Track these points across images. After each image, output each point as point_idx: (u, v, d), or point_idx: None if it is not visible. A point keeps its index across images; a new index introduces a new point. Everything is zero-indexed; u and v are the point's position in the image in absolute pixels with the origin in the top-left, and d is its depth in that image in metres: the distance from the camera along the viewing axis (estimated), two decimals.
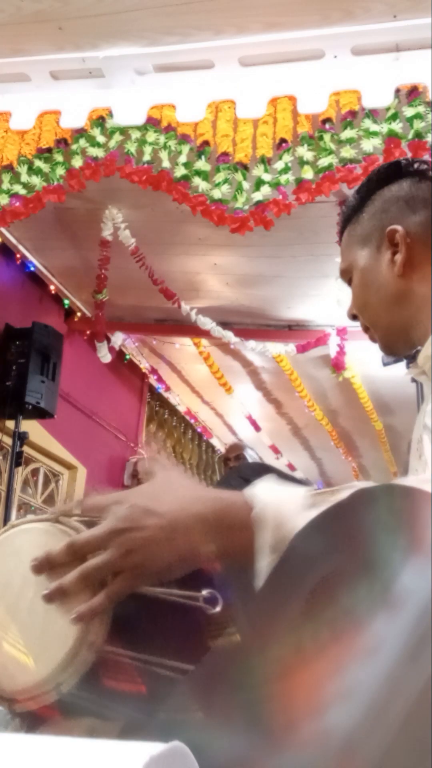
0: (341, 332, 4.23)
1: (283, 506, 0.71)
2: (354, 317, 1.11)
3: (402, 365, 3.14)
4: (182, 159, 2.65)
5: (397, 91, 2.48)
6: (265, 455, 6.42)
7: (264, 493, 0.74)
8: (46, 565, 0.75)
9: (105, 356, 4.60)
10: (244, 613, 0.70)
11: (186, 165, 2.65)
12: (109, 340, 4.63)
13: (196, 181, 2.64)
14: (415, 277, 1.00)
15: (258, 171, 2.58)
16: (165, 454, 6.36)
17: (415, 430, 1.04)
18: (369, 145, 2.46)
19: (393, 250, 1.02)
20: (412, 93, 2.45)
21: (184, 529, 0.72)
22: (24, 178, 2.81)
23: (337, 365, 4.33)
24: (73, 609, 0.73)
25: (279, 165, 2.55)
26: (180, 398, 6.23)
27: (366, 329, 1.10)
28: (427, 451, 0.91)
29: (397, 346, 1.07)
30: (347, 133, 2.49)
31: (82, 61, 2.71)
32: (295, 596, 0.60)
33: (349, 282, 1.10)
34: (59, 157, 2.81)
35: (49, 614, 0.75)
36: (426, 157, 2.38)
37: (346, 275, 1.11)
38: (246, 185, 2.61)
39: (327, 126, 2.53)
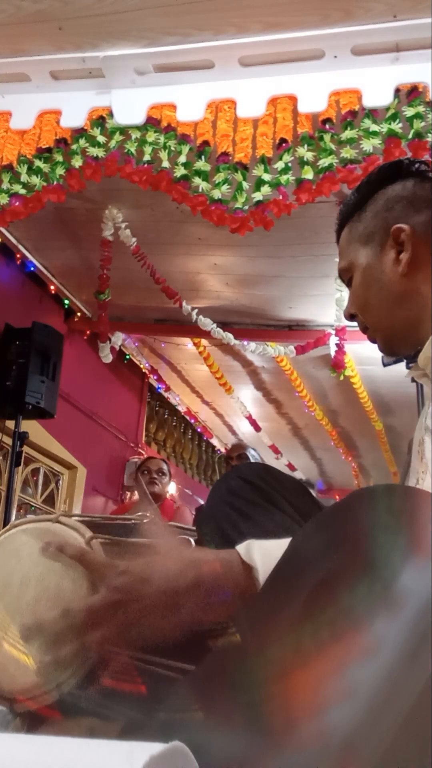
0: (340, 332, 4.22)
1: (269, 553, 0.71)
2: (352, 317, 1.09)
3: (402, 365, 3.14)
4: (182, 159, 2.65)
5: (397, 91, 2.47)
6: (265, 455, 6.42)
7: (254, 550, 0.74)
8: (37, 633, 0.75)
9: (107, 356, 4.60)
10: (245, 613, 0.70)
11: (186, 165, 2.65)
12: (109, 340, 4.63)
13: (196, 181, 2.64)
14: (420, 276, 0.99)
15: (258, 171, 2.58)
16: (165, 454, 6.37)
17: (416, 431, 1.04)
18: (369, 145, 2.45)
19: (398, 249, 1.00)
20: (412, 93, 2.45)
21: (184, 592, 0.72)
22: (24, 178, 2.81)
23: (336, 365, 4.32)
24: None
25: (279, 165, 2.55)
26: (180, 398, 6.23)
27: (365, 329, 1.08)
28: (428, 453, 0.91)
29: (399, 346, 1.05)
30: (347, 134, 2.49)
31: (82, 61, 2.71)
32: (295, 596, 0.60)
33: (349, 281, 1.09)
34: (59, 157, 2.81)
35: (49, 615, 0.75)
36: (426, 157, 2.38)
37: (346, 274, 1.09)
38: (246, 185, 2.60)
39: (327, 126, 2.53)
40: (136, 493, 5.18)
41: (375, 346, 1.10)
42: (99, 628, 0.72)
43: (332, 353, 4.39)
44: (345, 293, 4.23)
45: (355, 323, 1.10)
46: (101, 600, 0.73)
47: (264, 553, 0.73)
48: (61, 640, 0.74)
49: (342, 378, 4.48)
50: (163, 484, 3.96)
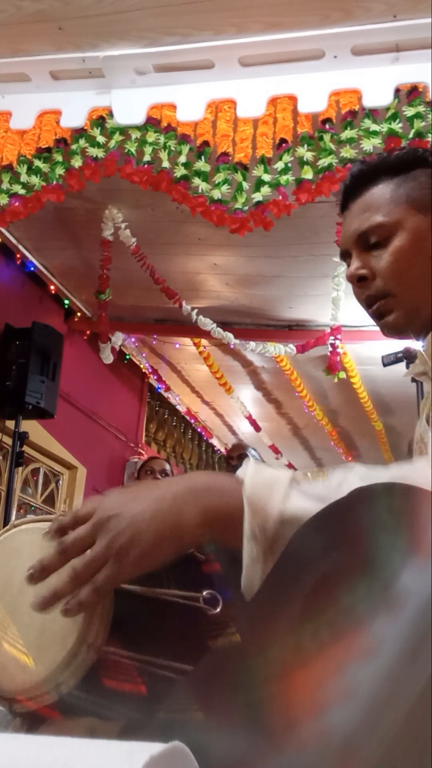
0: (335, 331, 4.17)
1: (264, 489, 0.71)
2: (361, 278, 1.01)
3: (402, 365, 3.14)
4: (182, 159, 2.65)
5: (397, 90, 2.47)
6: (265, 455, 6.42)
7: (247, 475, 0.74)
8: (41, 574, 0.74)
9: (107, 357, 4.60)
10: (244, 612, 0.70)
11: (186, 165, 2.65)
12: (109, 340, 4.63)
13: (196, 181, 2.64)
14: None
15: (258, 171, 2.58)
16: (165, 454, 6.36)
17: (416, 428, 1.04)
18: (369, 145, 2.45)
19: None
20: (412, 93, 2.45)
21: (170, 506, 0.71)
22: (24, 178, 2.81)
23: (331, 367, 4.27)
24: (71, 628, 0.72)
25: (279, 165, 2.55)
26: (180, 398, 6.23)
27: (373, 298, 1.01)
28: (429, 448, 0.92)
29: (413, 325, 1.00)
30: (347, 133, 2.49)
31: (82, 61, 2.71)
32: (294, 596, 0.60)
33: (378, 238, 1.01)
34: (59, 157, 2.81)
35: (49, 614, 0.75)
36: None
37: (381, 231, 1.00)
38: (246, 185, 2.60)
39: (327, 126, 2.53)
40: None
41: (375, 347, 1.08)
42: (89, 550, 0.71)
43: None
44: (342, 293, 4.20)
45: (352, 323, 1.08)
46: (89, 522, 0.72)
47: (253, 478, 0.72)
48: (61, 640, 0.74)
49: (336, 380, 4.46)
50: None
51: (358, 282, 1.02)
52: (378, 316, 1.02)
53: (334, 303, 3.83)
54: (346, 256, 1.07)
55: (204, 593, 0.79)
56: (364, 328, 4.12)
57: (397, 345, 3.15)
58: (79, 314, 4.82)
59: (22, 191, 2.81)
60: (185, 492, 0.73)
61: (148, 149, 2.70)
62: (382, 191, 1.02)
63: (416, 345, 1.04)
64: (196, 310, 4.32)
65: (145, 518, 0.71)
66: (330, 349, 4.24)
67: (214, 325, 4.37)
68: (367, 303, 1.02)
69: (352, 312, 3.79)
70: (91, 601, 0.71)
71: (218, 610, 0.78)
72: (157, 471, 3.94)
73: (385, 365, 3.28)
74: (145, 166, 2.71)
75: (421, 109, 2.42)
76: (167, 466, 4.02)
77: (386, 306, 1.00)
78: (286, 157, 2.55)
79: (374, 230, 1.01)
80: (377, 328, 1.05)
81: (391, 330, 1.01)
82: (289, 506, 0.69)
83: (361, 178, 1.04)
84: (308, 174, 2.53)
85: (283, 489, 0.70)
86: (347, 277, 1.04)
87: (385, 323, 1.01)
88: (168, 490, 0.73)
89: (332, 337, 4.19)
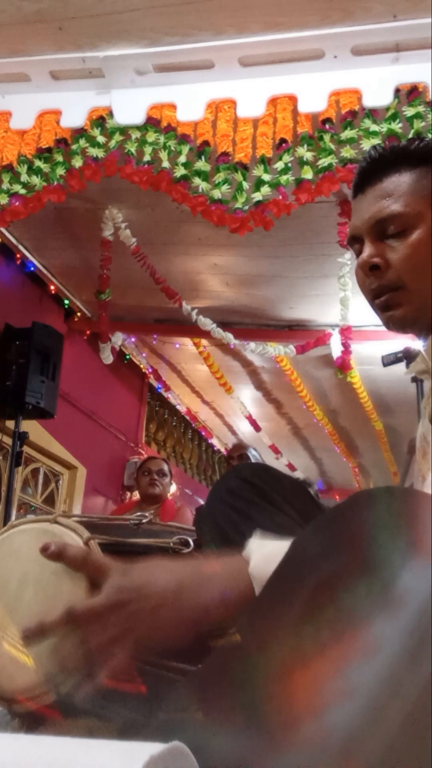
0: (345, 331, 4.16)
1: (273, 556, 0.71)
2: (374, 267, 0.98)
3: (402, 365, 3.13)
4: (182, 159, 2.65)
5: (397, 91, 2.47)
6: (265, 455, 6.42)
7: (255, 547, 0.75)
8: (39, 635, 0.73)
9: (107, 357, 4.60)
10: (246, 613, 0.70)
11: (186, 165, 2.65)
12: (109, 340, 4.63)
13: (196, 181, 2.64)
14: None
15: (258, 171, 2.58)
16: (165, 454, 6.36)
17: (419, 428, 1.04)
18: (369, 145, 2.45)
19: None
20: (412, 93, 2.45)
21: (189, 591, 0.71)
22: (24, 178, 2.81)
23: (343, 366, 4.27)
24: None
25: (279, 165, 2.55)
26: (180, 398, 6.23)
27: (384, 289, 0.98)
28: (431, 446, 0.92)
29: (419, 322, 0.97)
30: (347, 133, 2.49)
31: (82, 61, 2.71)
32: (295, 597, 0.60)
33: (396, 228, 0.98)
34: (59, 157, 2.81)
35: (48, 614, 0.75)
36: None
37: (399, 221, 0.97)
38: (246, 185, 2.60)
39: (327, 126, 2.53)
40: (136, 493, 5.18)
41: (375, 347, 1.08)
42: (102, 630, 0.71)
43: (333, 354, 4.36)
44: (349, 293, 4.18)
45: (352, 323, 1.07)
46: (105, 600, 0.72)
47: (264, 559, 0.73)
48: (61, 640, 0.74)
49: (349, 379, 4.44)
50: (163, 485, 3.95)
51: (370, 270, 0.98)
52: (385, 308, 0.99)
53: (343, 303, 3.80)
54: (355, 241, 1.03)
55: (174, 539, 0.80)
56: (364, 328, 4.12)
57: (397, 345, 3.15)
58: (79, 314, 4.82)
59: (22, 191, 2.81)
60: (197, 581, 0.73)
61: (148, 149, 2.70)
62: (402, 180, 0.98)
63: (416, 344, 1.04)
64: (196, 310, 4.32)
65: (167, 605, 0.71)
66: (342, 348, 4.23)
67: (214, 325, 4.37)
68: (376, 293, 0.99)
69: (352, 312, 3.79)
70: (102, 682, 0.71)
71: (189, 550, 0.79)
72: (154, 471, 3.94)
73: (385, 365, 3.27)
74: (145, 166, 2.71)
75: (421, 109, 2.41)
76: (165, 466, 4.01)
77: (396, 298, 0.97)
78: (286, 157, 2.55)
79: (393, 219, 0.98)
80: (377, 329, 1.02)
81: (398, 323, 0.99)
82: None
83: (380, 163, 1.00)
84: (308, 174, 2.53)
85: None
86: (359, 263, 1.00)
87: (392, 316, 0.98)
88: (182, 578, 0.73)
89: (343, 337, 4.18)
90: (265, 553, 0.74)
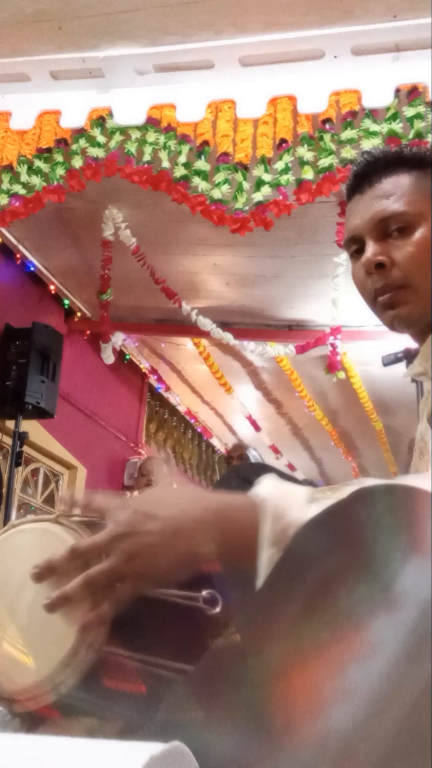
0: (335, 331, 4.17)
1: (283, 500, 0.71)
2: (379, 265, 0.98)
3: (402, 365, 3.13)
4: (182, 159, 2.65)
5: (397, 91, 2.48)
6: (265, 455, 6.41)
7: (265, 488, 0.74)
8: (47, 572, 0.74)
9: (108, 357, 4.60)
10: (244, 612, 0.70)
11: (186, 165, 2.65)
12: (109, 340, 4.63)
13: (196, 181, 2.64)
14: None
15: (258, 171, 2.58)
16: (165, 454, 6.36)
17: (418, 428, 1.04)
18: (369, 145, 2.45)
19: None
20: (412, 93, 2.45)
21: (187, 531, 0.72)
22: (24, 178, 2.81)
23: (331, 366, 4.28)
24: (74, 615, 0.73)
25: (279, 165, 2.55)
26: (180, 398, 6.22)
27: (388, 287, 0.98)
28: (430, 447, 0.91)
29: (421, 321, 0.98)
30: (347, 134, 2.49)
31: (82, 61, 2.71)
32: (295, 595, 0.60)
33: (399, 226, 0.98)
34: (59, 157, 2.81)
35: (49, 614, 0.75)
36: None
37: (401, 219, 0.98)
38: (246, 185, 2.60)
39: (327, 126, 2.53)
40: (136, 493, 5.18)
41: (375, 347, 1.08)
42: (104, 561, 0.72)
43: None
44: (341, 293, 4.18)
45: (352, 323, 1.07)
46: (106, 534, 0.73)
47: (272, 492, 0.72)
48: (60, 640, 0.74)
49: (335, 380, 4.45)
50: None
51: (376, 268, 0.98)
52: (389, 306, 0.99)
53: (334, 303, 3.82)
54: (354, 242, 1.03)
55: (204, 593, 0.79)
56: (364, 328, 4.12)
57: (397, 345, 3.15)
58: (79, 314, 4.82)
59: (22, 191, 2.81)
60: (202, 515, 0.73)
61: (148, 149, 2.70)
62: (403, 181, 1.00)
63: (416, 345, 1.04)
64: (195, 311, 4.32)
65: (163, 542, 0.71)
66: (330, 349, 4.25)
67: (214, 325, 4.37)
68: (380, 292, 0.99)
69: (352, 312, 3.79)
70: (108, 616, 0.72)
71: (218, 609, 0.78)
72: (152, 472, 3.96)
73: (385, 365, 3.27)
74: (145, 166, 2.71)
75: (421, 109, 2.42)
76: (164, 466, 4.02)
77: (401, 297, 0.98)
78: (287, 157, 2.55)
79: (396, 218, 0.98)
80: (377, 329, 1.02)
81: (402, 322, 0.99)
82: (309, 515, 0.68)
83: (377, 165, 1.01)
84: (308, 174, 2.53)
85: (302, 499, 0.71)
86: (363, 262, 1.00)
87: (396, 314, 0.99)
88: (184, 512, 0.73)
89: (332, 337, 4.19)
90: (273, 487, 0.74)
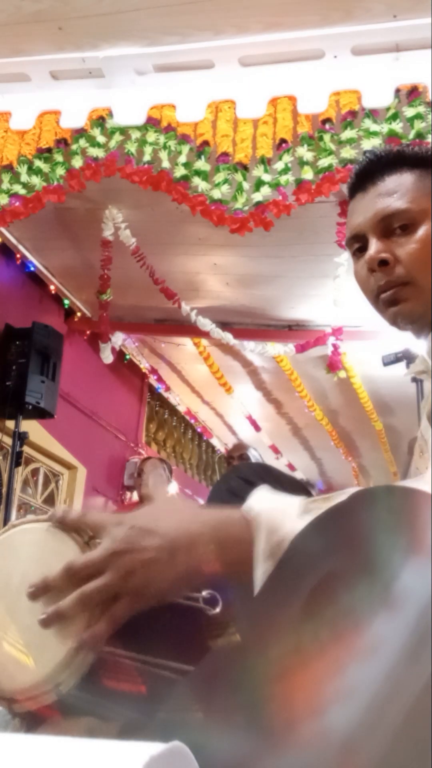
0: (336, 332, 4.19)
1: (277, 513, 0.71)
2: (383, 262, 0.98)
3: (402, 365, 3.14)
4: (182, 159, 2.65)
5: (397, 91, 2.47)
6: (265, 455, 6.42)
7: (258, 502, 0.74)
8: (42, 590, 0.74)
9: (107, 357, 4.60)
10: (245, 613, 0.70)
11: (186, 165, 2.65)
12: (109, 340, 4.63)
13: (196, 181, 2.64)
14: None
15: (258, 171, 2.58)
16: (165, 454, 6.36)
17: (420, 427, 1.04)
18: (369, 145, 2.45)
19: None
20: (413, 93, 2.45)
21: (184, 548, 0.71)
22: (24, 178, 2.81)
23: (332, 365, 4.30)
24: (70, 631, 0.72)
25: (279, 165, 2.55)
26: (180, 398, 6.23)
27: (391, 284, 0.99)
28: (429, 441, 0.92)
29: (423, 318, 0.98)
30: (347, 134, 2.49)
31: (82, 61, 2.71)
32: (295, 596, 0.60)
33: (402, 224, 0.99)
34: (59, 157, 2.81)
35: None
36: None
37: (407, 217, 0.99)
38: (246, 185, 2.60)
39: (327, 126, 2.53)
40: (135, 493, 5.18)
41: (375, 347, 1.08)
42: (99, 578, 0.71)
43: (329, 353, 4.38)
44: (343, 293, 4.18)
45: (352, 323, 1.07)
46: (102, 551, 0.72)
47: (265, 507, 0.72)
48: (60, 640, 0.74)
49: (336, 379, 4.47)
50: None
51: (379, 266, 0.98)
52: (392, 303, 0.99)
53: (336, 304, 3.82)
54: (357, 240, 1.03)
55: (204, 593, 0.79)
56: (364, 328, 4.12)
57: (397, 345, 3.15)
58: (79, 314, 4.82)
59: (22, 191, 2.81)
60: (198, 531, 0.73)
61: (148, 149, 2.70)
62: (405, 179, 1.00)
63: (416, 345, 1.04)
64: (195, 311, 4.32)
65: (161, 559, 0.71)
66: (331, 348, 4.26)
67: (214, 325, 4.37)
68: (382, 289, 0.99)
69: (353, 312, 3.79)
70: (106, 634, 0.71)
71: (218, 610, 0.78)
72: (148, 474, 3.98)
73: (385, 365, 3.28)
74: (145, 166, 2.71)
75: (421, 109, 2.41)
76: (160, 467, 4.03)
77: (404, 293, 0.98)
78: (286, 157, 2.55)
79: (400, 215, 0.99)
80: (377, 329, 1.03)
81: (405, 318, 0.99)
82: (293, 527, 0.69)
83: (380, 164, 1.02)
84: (308, 174, 2.53)
85: (296, 511, 0.71)
86: (366, 259, 1.00)
87: (399, 310, 0.99)
88: (180, 529, 0.73)
89: (333, 337, 4.20)
90: (266, 501, 0.74)
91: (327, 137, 2.52)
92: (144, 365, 5.63)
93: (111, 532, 0.73)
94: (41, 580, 0.74)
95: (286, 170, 2.54)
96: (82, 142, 2.78)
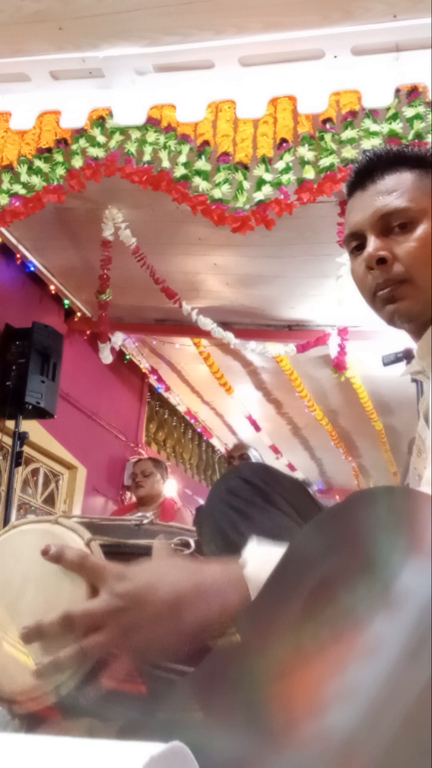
0: (342, 332, 4.22)
1: (271, 567, 0.71)
2: (381, 260, 0.98)
3: (402, 365, 3.13)
4: (182, 159, 2.65)
5: (397, 91, 2.47)
6: (265, 455, 6.41)
7: (253, 557, 0.75)
8: (36, 635, 0.74)
9: (107, 357, 4.60)
10: (245, 613, 0.70)
11: (186, 165, 2.65)
12: (109, 340, 4.63)
13: (196, 180, 2.63)
14: None
15: (259, 171, 2.58)
16: (165, 454, 6.37)
17: (418, 429, 1.04)
18: (369, 145, 2.45)
19: None
20: (412, 93, 2.45)
21: (185, 606, 0.71)
22: (24, 178, 2.81)
23: (338, 365, 4.32)
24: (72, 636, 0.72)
25: (280, 165, 2.55)
26: (180, 398, 6.23)
27: (390, 282, 0.99)
28: (428, 444, 0.92)
29: (426, 315, 0.98)
30: (348, 133, 2.49)
31: (82, 61, 2.71)
32: (295, 596, 0.60)
33: (401, 222, 0.99)
34: (59, 157, 2.81)
35: (49, 615, 0.75)
36: None
37: (406, 216, 0.99)
38: (246, 185, 2.60)
39: (327, 126, 2.53)
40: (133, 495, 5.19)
41: (375, 346, 1.08)
42: (98, 633, 0.71)
43: (333, 354, 4.39)
44: (347, 294, 4.18)
45: (352, 323, 1.07)
46: (102, 605, 0.72)
47: (260, 565, 0.73)
48: (61, 641, 0.74)
49: (343, 378, 4.49)
50: (149, 484, 3.97)
51: (378, 263, 0.99)
52: (389, 301, 0.99)
53: (339, 304, 3.82)
54: (355, 238, 1.03)
55: (175, 540, 0.80)
56: (364, 328, 4.12)
57: (397, 345, 3.15)
58: (79, 314, 4.82)
59: (22, 191, 2.81)
60: (196, 589, 0.73)
61: (148, 149, 2.70)
62: (405, 178, 1.01)
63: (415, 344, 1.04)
64: (196, 310, 4.32)
65: (162, 618, 0.71)
66: (337, 349, 4.27)
67: (214, 325, 4.37)
68: (380, 287, 1.00)
69: (352, 312, 3.79)
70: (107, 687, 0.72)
71: (191, 550, 0.79)
72: (138, 474, 4.01)
73: (385, 365, 3.27)
74: (145, 166, 2.70)
75: (420, 110, 2.41)
76: (148, 466, 4.05)
77: (402, 291, 0.98)
78: (287, 157, 2.55)
79: (399, 213, 0.99)
80: (377, 329, 1.03)
81: (402, 316, 0.99)
82: None
83: (379, 163, 1.02)
84: (309, 173, 2.53)
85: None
86: (364, 257, 1.00)
87: (397, 309, 0.99)
88: (180, 588, 0.73)
89: (339, 338, 4.22)
90: (262, 558, 0.74)
91: (327, 137, 2.52)
92: (144, 365, 5.63)
93: (112, 586, 0.73)
94: (35, 625, 0.73)
95: (287, 169, 2.55)
96: (82, 142, 2.78)
